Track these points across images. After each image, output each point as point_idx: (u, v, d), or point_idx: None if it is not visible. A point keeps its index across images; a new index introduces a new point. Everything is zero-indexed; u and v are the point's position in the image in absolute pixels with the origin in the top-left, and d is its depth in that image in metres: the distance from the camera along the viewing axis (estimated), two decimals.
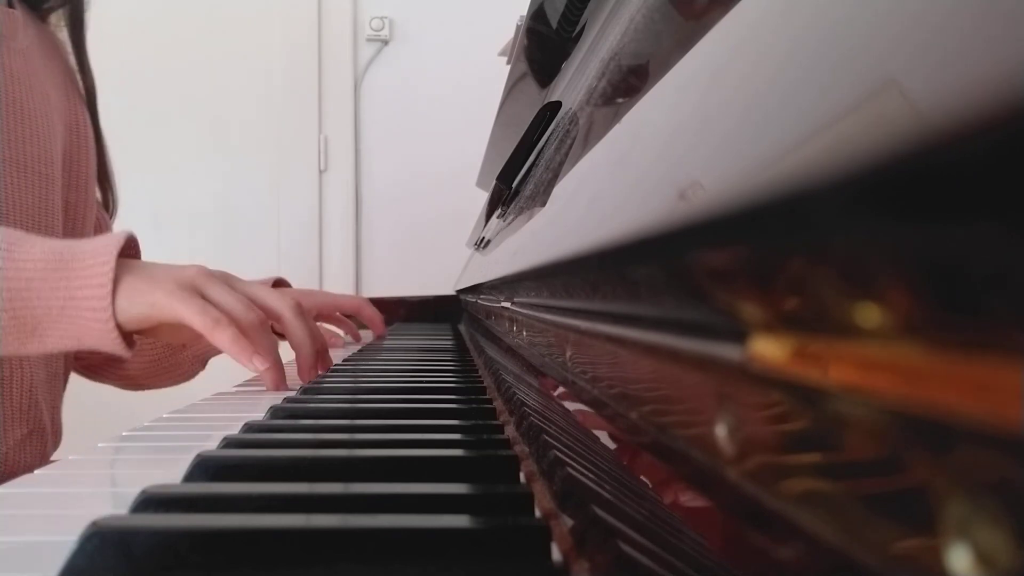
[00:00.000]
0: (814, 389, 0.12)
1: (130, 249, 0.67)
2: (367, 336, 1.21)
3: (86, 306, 0.61)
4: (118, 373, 1.00)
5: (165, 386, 1.04)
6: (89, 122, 0.96)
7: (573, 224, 0.31)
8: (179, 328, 0.64)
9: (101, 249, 0.63)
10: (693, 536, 0.19)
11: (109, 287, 0.61)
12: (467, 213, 1.68)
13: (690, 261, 0.15)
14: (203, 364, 1.03)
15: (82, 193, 0.93)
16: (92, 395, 1.09)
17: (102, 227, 1.03)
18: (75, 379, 0.99)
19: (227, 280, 0.68)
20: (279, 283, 1.07)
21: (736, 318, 0.14)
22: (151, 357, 0.99)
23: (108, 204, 1.02)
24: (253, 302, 0.67)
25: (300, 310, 0.70)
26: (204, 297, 0.64)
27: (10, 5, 0.87)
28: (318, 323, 1.05)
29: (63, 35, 0.96)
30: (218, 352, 0.97)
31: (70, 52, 0.96)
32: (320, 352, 0.72)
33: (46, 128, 0.86)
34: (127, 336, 0.64)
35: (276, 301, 0.70)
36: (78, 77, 0.96)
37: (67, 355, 0.93)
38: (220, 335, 0.63)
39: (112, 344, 0.63)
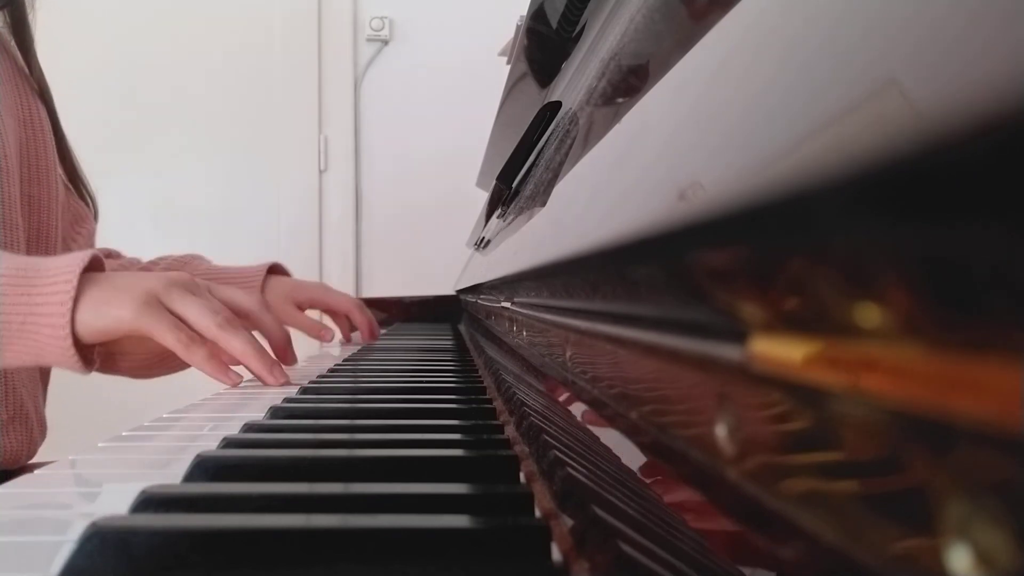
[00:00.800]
0: (814, 389, 0.12)
1: (96, 266, 0.66)
2: (361, 337, 1.19)
3: (45, 323, 0.61)
4: (119, 368, 1.00)
5: (166, 374, 1.04)
6: (46, 116, 0.94)
7: (573, 224, 0.31)
8: (146, 339, 0.64)
9: (64, 267, 0.62)
10: (693, 536, 0.19)
11: (69, 304, 0.61)
12: (467, 213, 1.68)
13: (690, 261, 0.15)
14: (169, 367, 1.04)
15: (44, 187, 0.92)
16: (94, 393, 1.09)
17: (83, 223, 1.02)
18: (76, 375, 0.99)
19: (189, 286, 0.67)
20: (276, 268, 1.06)
21: (736, 318, 0.14)
22: (144, 358, 0.99)
23: (86, 203, 1.01)
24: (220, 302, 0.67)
25: (264, 304, 0.72)
26: (170, 309, 0.64)
27: None
28: (308, 311, 1.05)
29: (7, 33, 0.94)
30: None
31: (17, 54, 0.94)
32: (264, 357, 0.70)
33: None
34: (86, 353, 0.64)
35: (241, 299, 0.71)
36: (28, 75, 0.95)
37: None
38: (194, 355, 0.63)
39: (69, 362, 0.62)
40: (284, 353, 0.77)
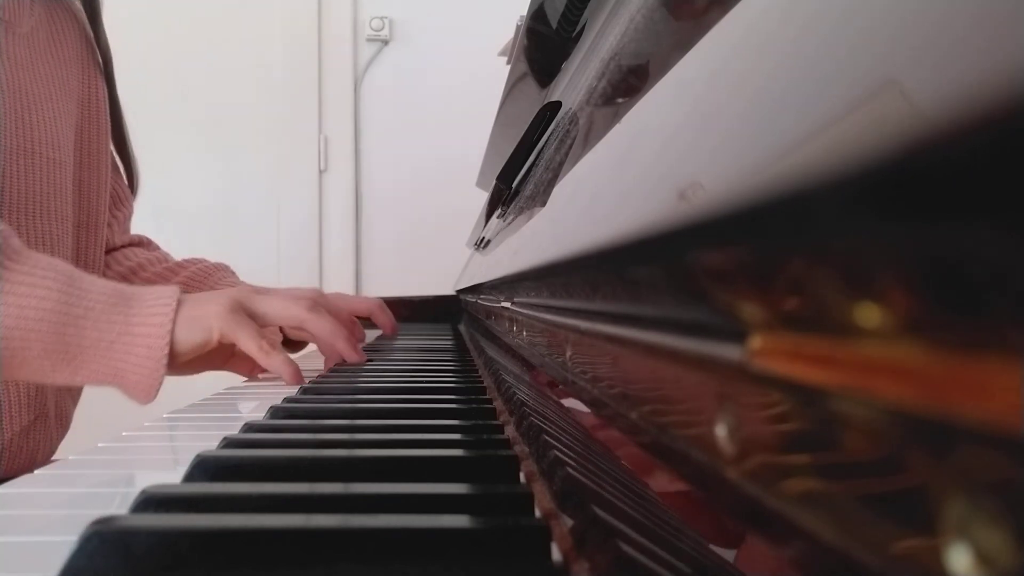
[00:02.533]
0: (814, 389, 0.12)
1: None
2: (371, 336, 1.20)
3: (141, 342, 0.63)
4: None
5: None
6: (105, 94, 0.95)
7: (573, 224, 0.31)
8: (213, 355, 0.69)
9: (162, 292, 0.66)
10: (693, 536, 0.19)
11: (168, 325, 0.64)
12: (467, 213, 1.68)
13: (690, 261, 0.15)
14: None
15: (95, 172, 0.93)
16: (99, 392, 1.10)
17: (122, 205, 1.02)
18: None
19: (261, 292, 0.73)
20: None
21: (736, 318, 0.14)
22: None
23: (131, 179, 1.02)
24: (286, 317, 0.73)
25: (314, 306, 0.74)
26: (252, 312, 0.69)
27: None
28: None
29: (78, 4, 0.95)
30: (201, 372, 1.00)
31: (87, 21, 0.95)
32: (350, 337, 0.77)
33: (53, 111, 0.86)
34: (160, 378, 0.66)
35: (295, 311, 0.74)
36: (95, 46, 0.96)
37: None
38: (273, 360, 0.68)
39: (150, 382, 0.64)
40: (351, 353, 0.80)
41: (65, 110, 0.88)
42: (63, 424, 0.93)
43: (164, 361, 0.64)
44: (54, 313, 0.60)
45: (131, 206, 1.05)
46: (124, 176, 1.01)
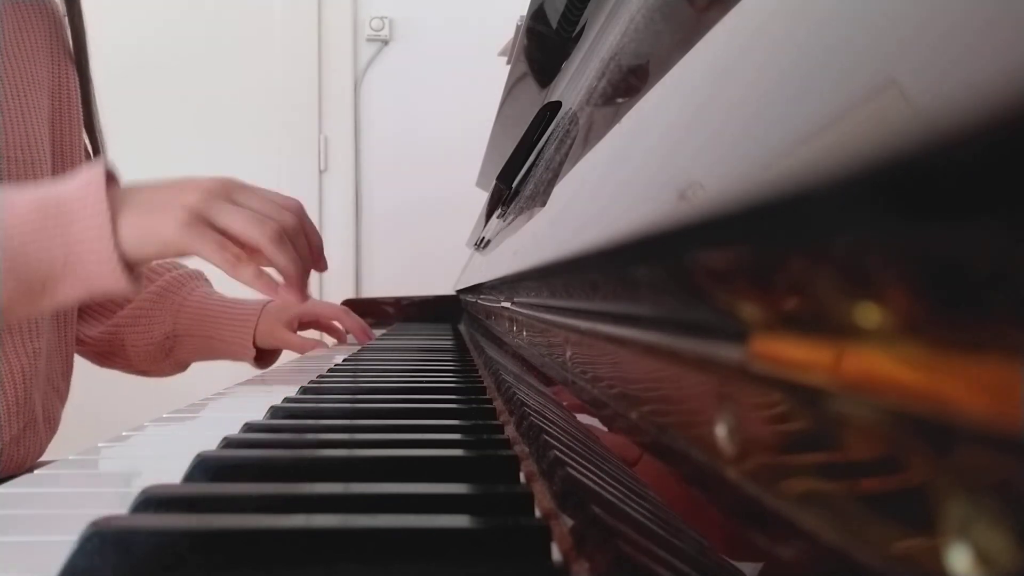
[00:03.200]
0: (814, 389, 0.12)
1: (111, 180, 0.65)
2: (356, 339, 1.20)
3: (90, 259, 0.60)
4: (128, 358, 1.01)
5: (174, 372, 1.05)
6: (75, 79, 0.92)
7: (573, 224, 0.31)
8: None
9: (86, 193, 0.61)
10: (693, 536, 0.19)
11: (109, 235, 0.60)
12: (467, 213, 1.68)
13: (690, 261, 0.15)
14: (183, 368, 1.05)
15: (70, 162, 0.91)
16: (96, 393, 1.10)
17: None
18: (79, 376, 1.00)
19: (231, 194, 0.66)
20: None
21: (736, 318, 0.14)
22: (145, 348, 1.01)
23: (96, 149, 0.98)
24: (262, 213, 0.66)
25: (280, 236, 0.67)
26: (214, 224, 0.63)
27: None
28: (301, 331, 1.06)
29: None
30: (193, 361, 1.00)
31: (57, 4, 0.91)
32: (304, 278, 0.70)
33: (27, 106, 0.83)
34: (133, 271, 0.63)
35: (278, 214, 0.68)
36: (66, 27, 0.92)
37: (69, 341, 0.93)
38: (241, 273, 0.63)
39: (120, 284, 0.62)
40: (318, 262, 0.74)
41: (36, 104, 0.85)
42: (51, 426, 0.93)
43: (119, 266, 0.61)
44: None
45: None
46: (90, 147, 0.97)
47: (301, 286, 0.68)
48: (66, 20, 0.92)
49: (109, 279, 0.61)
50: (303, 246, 0.69)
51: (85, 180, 0.62)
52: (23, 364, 0.83)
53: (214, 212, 0.63)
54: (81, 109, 0.93)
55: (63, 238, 0.60)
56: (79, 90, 0.93)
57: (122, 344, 1.00)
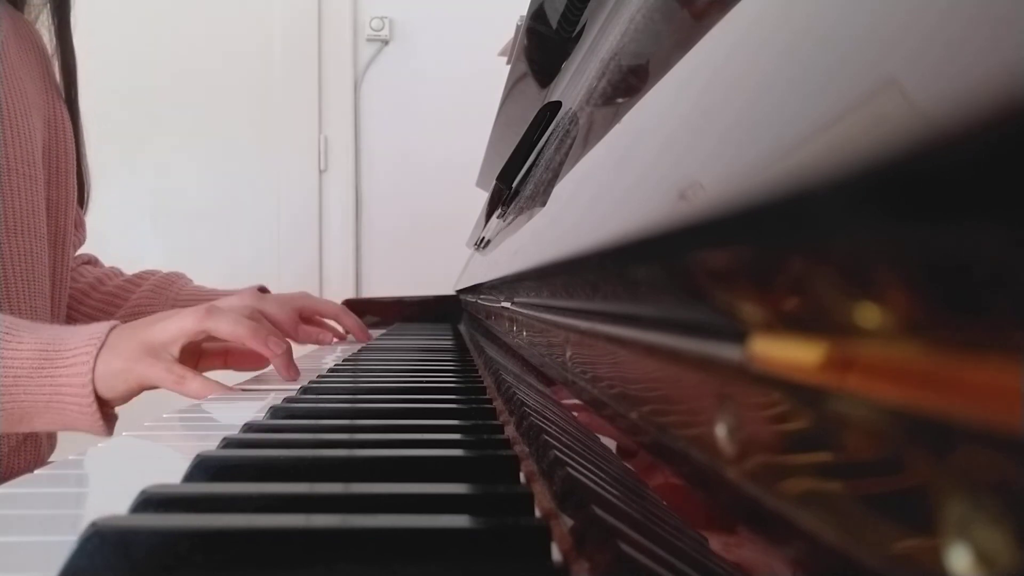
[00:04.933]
0: (814, 389, 0.12)
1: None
2: (355, 338, 1.20)
3: (71, 401, 0.67)
4: None
5: None
6: (67, 114, 0.95)
7: (573, 224, 0.31)
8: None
9: (83, 343, 0.68)
10: (693, 536, 0.19)
11: (89, 384, 0.67)
12: (467, 213, 1.68)
13: (690, 261, 0.15)
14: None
15: (63, 189, 0.94)
16: None
17: (80, 228, 1.03)
18: None
19: (151, 326, 0.72)
20: (262, 289, 1.08)
21: (736, 318, 0.14)
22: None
23: (81, 197, 1.02)
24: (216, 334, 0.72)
25: (209, 313, 0.72)
26: (162, 348, 0.69)
27: None
28: (304, 324, 1.07)
29: (38, 19, 0.95)
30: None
31: (46, 39, 0.96)
32: (259, 332, 0.74)
33: (27, 127, 0.87)
34: (108, 416, 0.70)
35: (188, 324, 0.72)
36: (56, 65, 0.96)
37: None
38: (188, 386, 0.69)
39: (97, 428, 0.69)
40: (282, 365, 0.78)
41: (34, 126, 0.89)
42: (52, 441, 0.95)
43: (96, 413, 0.68)
44: None
45: (85, 231, 1.06)
46: (76, 190, 1.01)
47: (256, 346, 0.72)
48: (56, 57, 0.96)
49: (87, 421, 0.68)
50: (274, 329, 0.76)
51: (88, 333, 0.69)
52: None
53: (150, 335, 0.70)
54: (74, 142, 0.96)
55: (51, 383, 0.67)
56: (70, 121, 0.96)
57: None
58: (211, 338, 0.72)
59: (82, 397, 0.67)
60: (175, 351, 0.70)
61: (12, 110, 0.85)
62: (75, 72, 0.98)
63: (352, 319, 1.15)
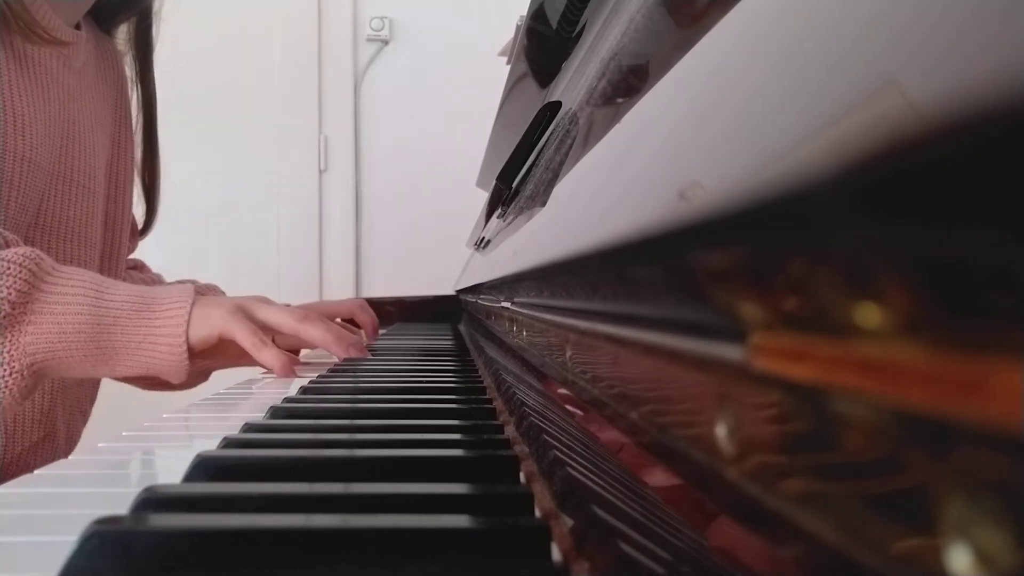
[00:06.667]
0: (814, 389, 0.12)
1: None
2: (366, 336, 1.20)
3: (163, 343, 0.73)
4: (143, 379, 1.04)
5: (186, 388, 1.07)
6: (131, 137, 1.03)
7: (573, 224, 0.31)
8: (226, 349, 0.77)
9: (177, 297, 0.75)
10: (693, 536, 0.19)
11: (184, 326, 0.73)
12: (467, 213, 1.68)
13: (690, 261, 0.15)
14: (206, 377, 1.07)
15: (121, 204, 1.00)
16: (103, 397, 1.10)
17: (133, 237, 1.09)
18: None
19: (267, 301, 0.82)
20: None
21: (736, 318, 0.14)
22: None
23: (149, 223, 1.10)
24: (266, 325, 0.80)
25: (304, 317, 0.82)
26: (252, 317, 0.77)
27: (76, 26, 0.92)
28: None
29: (123, 45, 1.03)
30: (219, 367, 1.04)
31: (126, 63, 1.03)
32: (340, 340, 0.84)
33: (92, 142, 0.92)
34: (194, 369, 0.76)
35: (288, 320, 0.81)
36: (134, 89, 1.04)
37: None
38: (264, 354, 0.76)
39: (181, 373, 0.74)
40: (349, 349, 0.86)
41: (101, 143, 0.95)
42: (71, 445, 0.96)
43: (184, 354, 0.73)
44: (88, 325, 0.69)
45: (136, 242, 1.13)
46: (145, 216, 1.09)
47: (342, 348, 0.83)
48: (136, 82, 1.05)
49: (173, 365, 0.73)
50: (333, 327, 0.85)
51: (179, 289, 0.77)
52: (52, 379, 0.85)
53: (253, 308, 0.79)
54: (143, 170, 1.04)
55: (148, 325, 0.72)
56: (144, 144, 1.04)
57: None
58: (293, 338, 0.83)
59: (174, 338, 0.72)
60: (261, 325, 0.77)
61: (83, 127, 0.91)
62: (155, 105, 1.06)
63: (368, 315, 1.16)
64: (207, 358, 0.79)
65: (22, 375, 0.68)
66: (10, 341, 0.68)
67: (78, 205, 0.90)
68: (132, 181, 1.02)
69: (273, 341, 0.82)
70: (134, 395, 1.10)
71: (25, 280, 0.68)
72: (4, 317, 0.67)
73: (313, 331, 0.81)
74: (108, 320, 0.71)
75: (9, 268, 0.67)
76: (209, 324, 0.74)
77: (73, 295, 0.70)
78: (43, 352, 0.68)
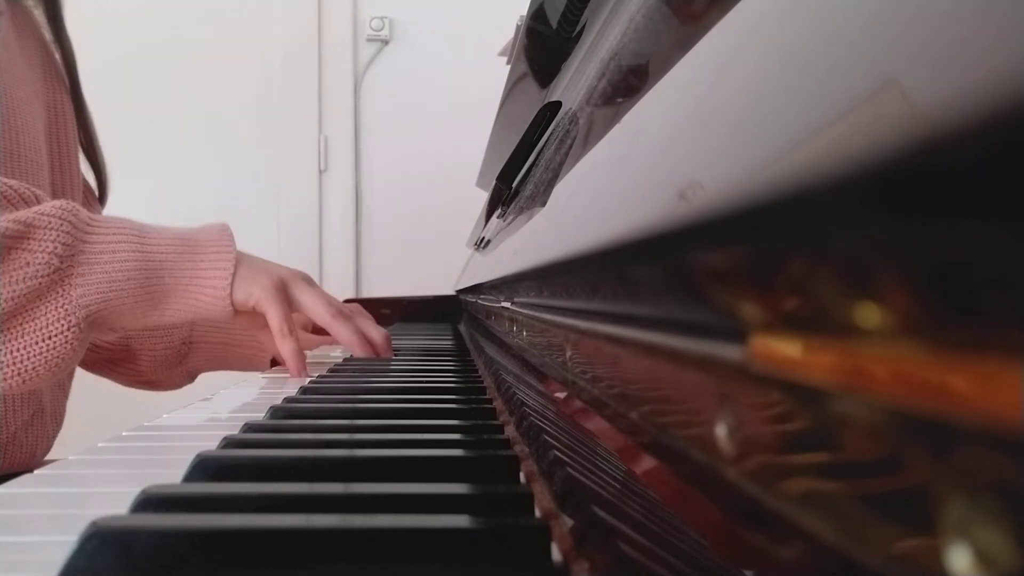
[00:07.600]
0: (814, 389, 0.12)
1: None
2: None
3: (208, 285, 0.73)
4: (132, 368, 1.03)
5: (172, 387, 1.06)
6: (69, 101, 0.98)
7: (573, 224, 0.31)
8: (253, 319, 0.77)
9: (220, 240, 0.76)
10: (693, 536, 0.19)
11: (229, 279, 0.73)
12: (467, 213, 1.68)
13: (690, 261, 0.15)
14: (192, 379, 1.06)
15: (67, 175, 0.96)
16: (97, 392, 1.10)
17: (91, 208, 1.04)
18: (80, 375, 1.00)
19: (310, 282, 0.81)
20: None
21: (736, 318, 0.14)
22: (164, 353, 1.02)
23: (102, 188, 1.05)
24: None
25: (338, 313, 0.81)
26: (292, 297, 0.77)
27: None
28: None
29: (37, 10, 0.98)
30: (204, 371, 1.03)
31: (45, 27, 0.98)
32: (365, 345, 0.83)
33: (30, 114, 0.89)
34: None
35: (324, 313, 0.80)
36: (55, 53, 0.98)
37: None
38: (284, 344, 0.76)
39: (227, 313, 0.74)
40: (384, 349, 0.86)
41: (38, 114, 0.92)
42: (57, 421, 0.96)
43: (229, 305, 0.73)
44: (136, 272, 0.70)
45: (97, 210, 1.07)
46: (95, 182, 1.04)
47: (365, 352, 0.82)
48: (54, 45, 0.99)
49: (217, 306, 0.74)
50: (367, 326, 0.85)
51: (219, 231, 0.77)
52: None
53: (295, 288, 0.78)
54: (78, 131, 0.99)
55: (193, 267, 0.73)
56: (73, 107, 0.99)
57: (135, 351, 1.02)
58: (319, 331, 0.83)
59: (219, 289, 0.73)
60: (297, 307, 0.77)
61: (19, 99, 0.88)
62: (75, 63, 1.00)
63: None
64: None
65: (79, 328, 0.68)
66: (63, 295, 0.67)
67: (28, 180, 0.86)
68: (76, 148, 0.99)
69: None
70: (134, 395, 1.10)
71: (68, 232, 0.67)
72: (55, 272, 0.66)
73: (343, 331, 0.80)
74: (154, 264, 0.71)
75: (51, 223, 0.66)
76: (249, 292, 0.74)
77: (118, 243, 0.70)
78: (96, 303, 0.68)
